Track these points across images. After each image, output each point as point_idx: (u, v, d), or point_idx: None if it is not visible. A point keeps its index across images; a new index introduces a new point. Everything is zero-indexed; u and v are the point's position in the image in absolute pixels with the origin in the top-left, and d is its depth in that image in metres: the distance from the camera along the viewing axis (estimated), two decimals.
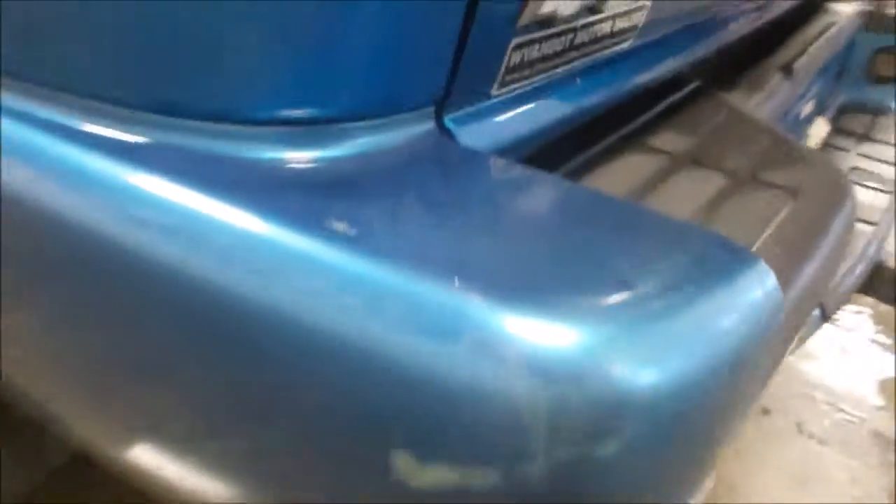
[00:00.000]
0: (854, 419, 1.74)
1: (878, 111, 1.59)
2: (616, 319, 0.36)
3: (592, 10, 0.57)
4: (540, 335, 0.35)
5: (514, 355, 0.34)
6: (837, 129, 1.50)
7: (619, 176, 0.68)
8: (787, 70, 1.09)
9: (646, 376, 0.35)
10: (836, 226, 0.71)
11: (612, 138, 0.74)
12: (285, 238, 0.39)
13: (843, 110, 1.60)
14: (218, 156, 0.45)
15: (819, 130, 1.37)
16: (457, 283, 0.36)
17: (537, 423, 0.33)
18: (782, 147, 0.84)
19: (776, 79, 1.08)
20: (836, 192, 0.77)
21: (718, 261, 0.42)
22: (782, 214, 0.68)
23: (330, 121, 0.46)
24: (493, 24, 0.48)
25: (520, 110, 0.55)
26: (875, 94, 1.61)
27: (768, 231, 0.64)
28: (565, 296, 0.37)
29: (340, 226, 0.39)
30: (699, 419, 0.38)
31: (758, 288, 0.41)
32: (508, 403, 0.33)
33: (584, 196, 0.49)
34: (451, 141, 0.49)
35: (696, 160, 0.76)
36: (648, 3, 0.64)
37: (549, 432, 0.33)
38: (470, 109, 0.51)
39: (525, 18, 0.49)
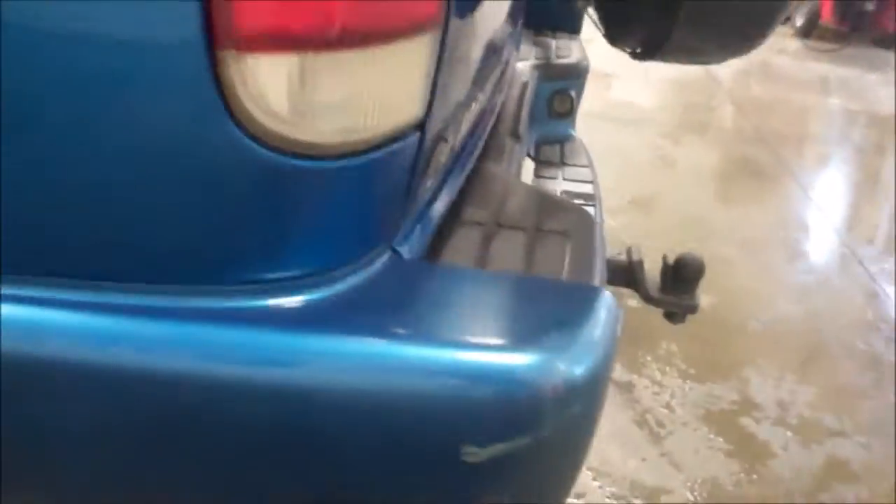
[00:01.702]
0: None
1: (563, 140, 2.06)
2: (553, 345, 0.66)
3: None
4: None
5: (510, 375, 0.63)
6: (538, 161, 1.93)
7: (464, 251, 0.98)
8: (516, 135, 1.47)
9: (578, 369, 0.66)
10: (599, 248, 1.08)
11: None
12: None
13: (537, 145, 2.04)
14: (241, 307, 0.68)
15: (529, 169, 1.80)
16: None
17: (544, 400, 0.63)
18: (543, 200, 1.20)
19: (510, 144, 1.46)
20: (586, 224, 1.13)
21: (585, 295, 0.73)
22: (568, 253, 1.03)
23: (326, 269, 0.70)
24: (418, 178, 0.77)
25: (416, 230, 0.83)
26: (558, 127, 2.08)
27: (567, 266, 0.98)
28: (524, 341, 0.67)
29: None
30: (601, 389, 0.70)
31: (607, 306, 0.73)
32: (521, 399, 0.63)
33: (501, 278, 0.79)
34: (400, 258, 0.76)
35: (498, 223, 1.09)
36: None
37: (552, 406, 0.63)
38: (403, 233, 0.78)
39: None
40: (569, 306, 0.72)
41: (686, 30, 1.22)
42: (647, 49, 1.35)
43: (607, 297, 0.74)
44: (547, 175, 1.85)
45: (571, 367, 0.65)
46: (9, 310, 0.64)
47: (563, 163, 1.93)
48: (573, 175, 1.85)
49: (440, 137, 0.81)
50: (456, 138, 0.88)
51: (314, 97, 0.60)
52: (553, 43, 2.17)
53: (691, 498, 1.86)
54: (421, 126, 0.72)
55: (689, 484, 1.89)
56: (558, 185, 1.81)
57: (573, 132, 2.11)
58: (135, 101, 0.60)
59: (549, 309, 0.72)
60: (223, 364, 0.65)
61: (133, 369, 0.65)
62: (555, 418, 0.64)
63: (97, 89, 0.59)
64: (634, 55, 1.42)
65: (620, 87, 4.72)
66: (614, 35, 1.42)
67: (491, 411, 0.63)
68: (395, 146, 0.68)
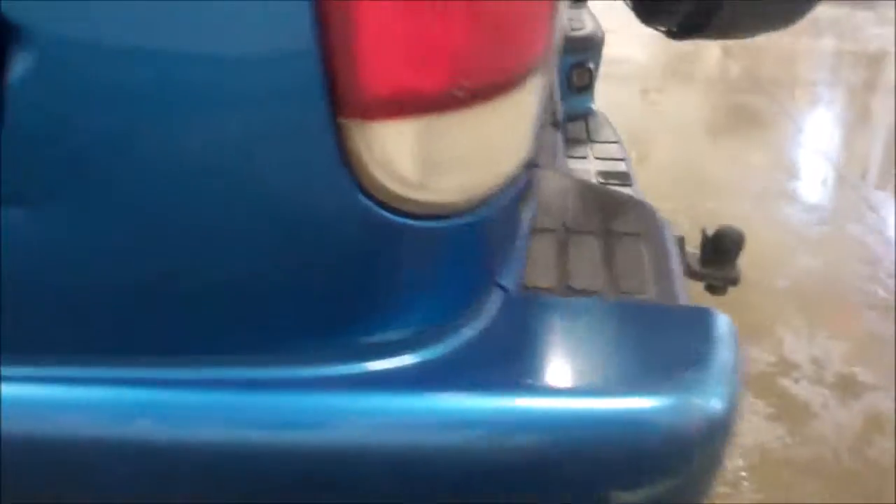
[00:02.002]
0: None
1: (584, 114, 2.03)
2: (690, 382, 0.65)
3: None
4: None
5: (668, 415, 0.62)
6: (565, 140, 1.90)
7: (545, 265, 0.96)
8: (556, 124, 1.45)
9: (717, 403, 0.65)
10: (671, 245, 1.06)
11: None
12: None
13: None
14: (364, 371, 0.66)
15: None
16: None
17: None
18: (601, 196, 1.18)
19: (551, 133, 1.43)
20: (655, 222, 1.12)
21: (703, 319, 0.72)
22: (645, 255, 1.01)
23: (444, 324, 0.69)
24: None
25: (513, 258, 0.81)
26: (578, 101, 2.05)
27: (649, 271, 0.97)
28: (660, 381, 0.65)
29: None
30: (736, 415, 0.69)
31: (725, 326, 0.71)
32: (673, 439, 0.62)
33: (611, 308, 0.77)
34: (508, 296, 0.75)
35: (567, 228, 1.07)
36: None
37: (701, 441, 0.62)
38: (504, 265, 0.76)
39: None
40: (691, 334, 0.71)
41: (735, 5, 1.19)
42: (687, 27, 1.32)
43: (723, 318, 0.73)
44: (577, 155, 1.83)
45: (710, 402, 0.64)
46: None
47: (590, 140, 1.91)
48: (603, 153, 1.83)
49: (535, 164, 0.79)
50: (540, 156, 0.86)
51: (440, 158, 0.58)
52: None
53: (742, 464, 1.87)
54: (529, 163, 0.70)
55: (739, 451, 1.90)
56: (591, 164, 1.79)
57: (593, 106, 2.08)
58: (256, 173, 0.58)
59: (670, 338, 0.71)
60: (350, 433, 0.63)
61: (253, 444, 0.63)
62: (700, 455, 0.63)
63: (220, 160, 0.57)
64: (670, 34, 1.39)
65: (615, 43, 4.66)
66: (649, 13, 1.39)
67: (638, 458, 0.62)
68: (510, 190, 0.66)
